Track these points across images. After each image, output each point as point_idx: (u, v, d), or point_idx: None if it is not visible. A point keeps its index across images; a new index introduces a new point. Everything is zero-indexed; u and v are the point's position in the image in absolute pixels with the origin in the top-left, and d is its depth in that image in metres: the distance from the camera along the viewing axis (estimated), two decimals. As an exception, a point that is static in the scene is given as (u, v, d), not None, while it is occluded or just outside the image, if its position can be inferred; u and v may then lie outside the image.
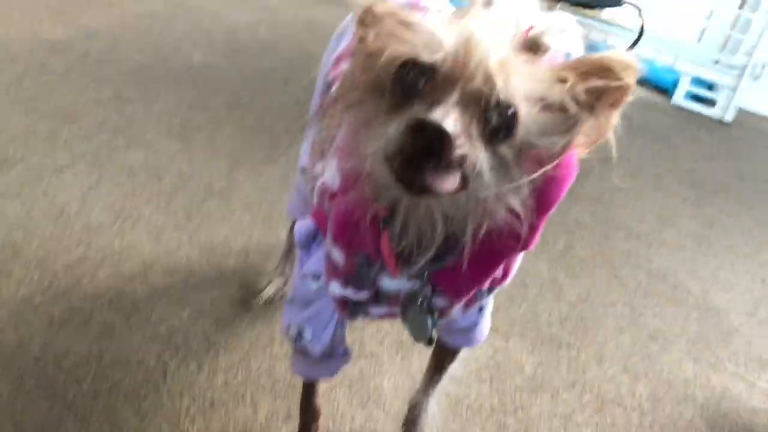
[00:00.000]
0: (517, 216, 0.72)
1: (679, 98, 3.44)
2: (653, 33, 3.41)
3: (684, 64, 3.44)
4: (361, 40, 0.71)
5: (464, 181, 0.63)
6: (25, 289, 1.36)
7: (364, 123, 0.70)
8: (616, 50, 0.66)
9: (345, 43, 1.11)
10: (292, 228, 1.48)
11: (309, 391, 1.13)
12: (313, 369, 1.02)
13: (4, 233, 1.49)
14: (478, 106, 0.62)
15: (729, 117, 3.36)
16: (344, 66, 0.84)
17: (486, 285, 0.86)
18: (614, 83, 0.65)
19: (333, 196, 0.85)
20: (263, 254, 1.61)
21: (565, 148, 0.68)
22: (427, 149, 0.60)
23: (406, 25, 0.68)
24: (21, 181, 1.66)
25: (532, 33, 0.67)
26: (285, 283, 1.50)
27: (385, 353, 1.40)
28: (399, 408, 1.25)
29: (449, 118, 0.60)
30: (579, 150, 0.70)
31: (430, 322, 0.87)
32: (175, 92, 2.25)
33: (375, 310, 0.92)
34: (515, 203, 0.70)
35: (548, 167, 0.69)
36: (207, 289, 1.46)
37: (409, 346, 1.43)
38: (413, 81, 0.64)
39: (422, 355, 1.40)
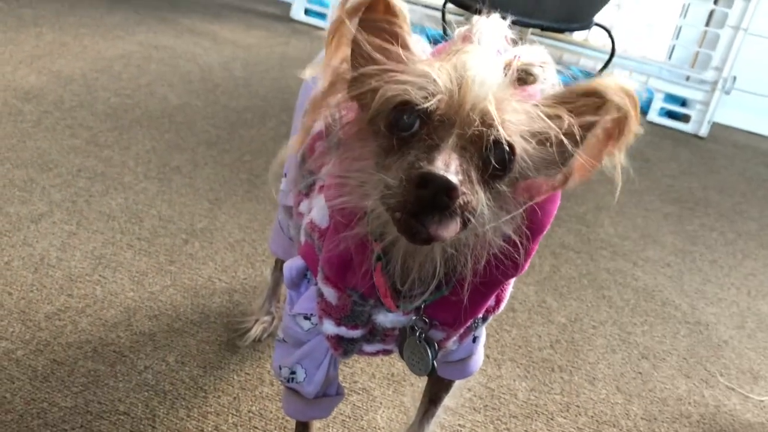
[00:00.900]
0: (513, 243, 0.72)
1: (653, 115, 3.48)
2: (624, 53, 3.46)
3: (656, 81, 3.48)
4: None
5: (464, 223, 0.63)
6: (6, 343, 1.33)
7: (357, 162, 0.70)
8: (609, 76, 0.67)
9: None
10: (276, 265, 1.46)
11: (302, 432, 1.11)
12: (307, 410, 1.00)
13: (-17, 286, 1.47)
14: (475, 147, 0.63)
15: (704, 131, 3.41)
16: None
17: (481, 314, 0.86)
18: (610, 116, 0.65)
19: (322, 234, 0.84)
20: (248, 293, 1.59)
21: (563, 180, 0.68)
22: (431, 201, 0.60)
23: (399, 62, 0.68)
24: (-2, 232, 1.64)
25: (521, 64, 0.67)
26: (271, 322, 1.48)
27: (377, 387, 1.38)
28: (394, 443, 1.24)
29: (452, 167, 0.59)
30: (575, 179, 0.70)
31: (430, 353, 0.86)
32: (151, 134, 2.24)
33: (369, 347, 0.91)
34: (510, 231, 0.70)
35: (543, 196, 0.69)
36: (192, 333, 1.44)
37: (401, 379, 1.41)
38: (409, 124, 0.64)
39: (415, 387, 1.38)
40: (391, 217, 0.63)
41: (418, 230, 0.61)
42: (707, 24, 3.55)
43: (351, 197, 0.71)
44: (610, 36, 2.89)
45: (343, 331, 0.86)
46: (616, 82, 0.65)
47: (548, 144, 0.66)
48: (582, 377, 1.53)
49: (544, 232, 0.75)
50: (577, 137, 0.65)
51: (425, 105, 0.63)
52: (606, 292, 1.88)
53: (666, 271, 2.07)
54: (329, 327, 0.86)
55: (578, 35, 3.57)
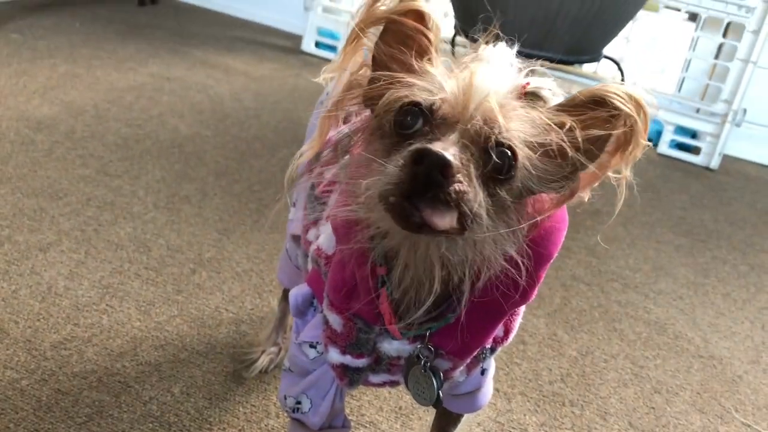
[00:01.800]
0: (515, 265, 0.71)
1: (664, 147, 3.47)
2: (633, 85, 3.46)
3: (666, 113, 3.48)
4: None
5: (462, 224, 0.63)
6: (11, 372, 1.32)
7: (364, 168, 0.70)
8: (615, 83, 0.67)
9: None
10: (283, 296, 1.45)
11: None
12: (312, 442, 0.98)
13: (-10, 315, 1.46)
14: (476, 147, 0.63)
15: (714, 164, 3.39)
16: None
17: (488, 343, 0.84)
18: (615, 128, 0.65)
19: (329, 260, 0.84)
20: (255, 324, 1.58)
21: (567, 195, 0.68)
22: (425, 182, 0.60)
23: (410, 71, 0.70)
24: (7, 260, 1.63)
25: (531, 87, 0.68)
26: (278, 353, 1.47)
27: (384, 421, 1.36)
28: (401, 478, 1.21)
29: (449, 150, 0.60)
30: (579, 194, 0.70)
31: (435, 383, 0.85)
32: (161, 164, 2.25)
33: (375, 377, 0.90)
34: (512, 251, 0.70)
35: (546, 214, 0.69)
36: (198, 363, 1.43)
37: (409, 412, 1.39)
38: (413, 121, 0.65)
39: (423, 420, 1.36)
40: (385, 206, 0.63)
41: (410, 213, 0.61)
42: (716, 57, 3.55)
43: (357, 207, 0.71)
44: (620, 68, 2.90)
45: (348, 359, 0.85)
46: (622, 89, 0.65)
47: (553, 156, 0.66)
48: (593, 412, 1.51)
49: (551, 261, 0.75)
50: (582, 149, 0.65)
51: (429, 101, 0.64)
52: (617, 325, 1.86)
53: (678, 303, 2.04)
54: (334, 355, 0.85)
55: (587, 67, 3.58)
